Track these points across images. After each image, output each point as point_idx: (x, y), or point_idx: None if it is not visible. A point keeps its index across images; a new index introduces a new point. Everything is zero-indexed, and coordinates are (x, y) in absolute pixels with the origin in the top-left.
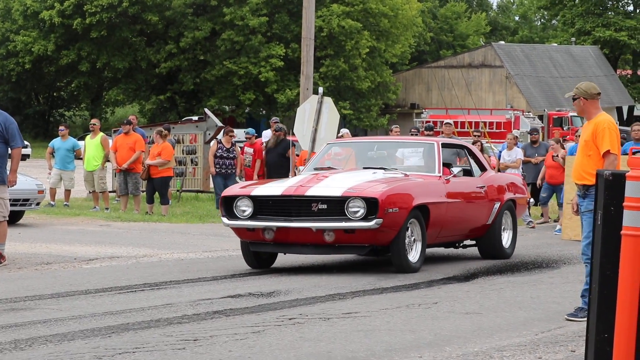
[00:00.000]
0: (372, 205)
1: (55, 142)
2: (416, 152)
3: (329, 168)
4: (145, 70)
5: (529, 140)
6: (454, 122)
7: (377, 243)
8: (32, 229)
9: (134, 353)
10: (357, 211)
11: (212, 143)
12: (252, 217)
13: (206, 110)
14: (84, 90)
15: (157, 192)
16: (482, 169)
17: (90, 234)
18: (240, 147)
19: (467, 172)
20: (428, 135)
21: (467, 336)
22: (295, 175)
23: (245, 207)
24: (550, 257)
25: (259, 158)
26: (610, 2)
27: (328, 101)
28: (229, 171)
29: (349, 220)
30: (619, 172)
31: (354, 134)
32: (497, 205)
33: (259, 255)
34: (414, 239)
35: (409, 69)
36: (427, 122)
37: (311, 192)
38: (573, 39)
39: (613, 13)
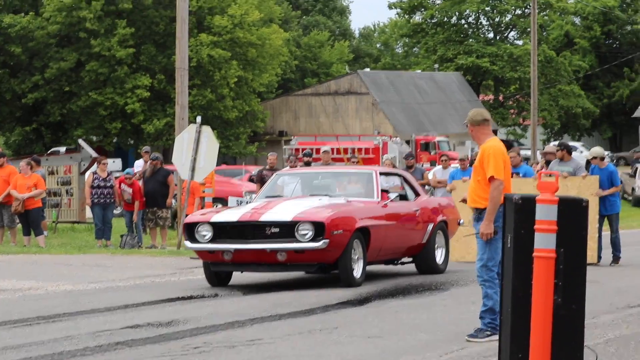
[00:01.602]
0: (319, 228)
1: None
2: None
3: (279, 196)
4: (9, 101)
5: (404, 165)
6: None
7: (325, 261)
8: None
9: None
10: (306, 233)
11: (87, 175)
12: (212, 240)
13: (80, 141)
14: None
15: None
16: (416, 194)
17: None
18: (115, 177)
19: (403, 197)
20: (307, 161)
21: None
22: (179, 202)
23: (205, 232)
24: (438, 280)
25: (137, 199)
26: (470, 30)
27: (206, 130)
28: (107, 200)
29: (299, 241)
30: (528, 196)
31: (222, 162)
32: (430, 225)
33: (219, 275)
34: (357, 257)
35: (276, 97)
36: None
37: (265, 217)
38: (436, 65)
39: (474, 40)
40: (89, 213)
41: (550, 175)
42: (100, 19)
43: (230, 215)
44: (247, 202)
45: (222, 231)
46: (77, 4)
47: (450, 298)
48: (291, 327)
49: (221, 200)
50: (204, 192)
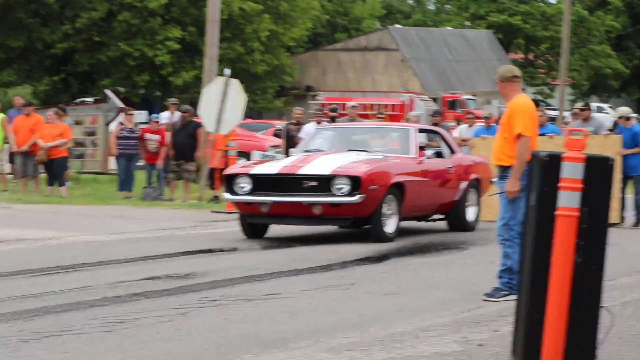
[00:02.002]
0: (356, 183)
1: None
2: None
3: (318, 150)
4: (40, 51)
5: (430, 123)
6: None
7: (359, 216)
8: None
9: (61, 336)
10: (342, 188)
11: (112, 125)
12: (250, 192)
13: (107, 91)
14: None
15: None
16: (452, 151)
17: None
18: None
19: (439, 154)
20: (332, 116)
21: (389, 317)
22: (203, 155)
23: (244, 184)
24: (457, 239)
25: (164, 145)
26: None
27: (234, 83)
28: (133, 151)
29: (335, 195)
30: (555, 154)
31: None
32: (464, 183)
33: (254, 227)
34: (391, 213)
35: (306, 52)
36: (329, 104)
37: (303, 171)
38: (467, 23)
39: None
40: (112, 164)
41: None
42: None
43: (269, 168)
44: (271, 157)
45: (260, 183)
46: None
47: (470, 257)
48: (309, 283)
49: (245, 154)
50: (227, 145)
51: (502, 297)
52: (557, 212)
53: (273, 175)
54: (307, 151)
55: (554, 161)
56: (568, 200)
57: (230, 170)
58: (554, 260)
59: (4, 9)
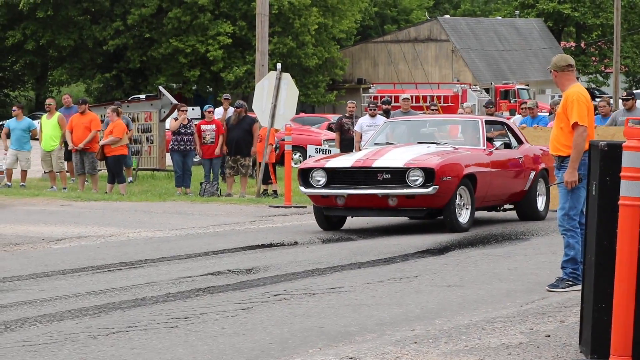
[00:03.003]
0: (430, 174)
1: (10, 123)
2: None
3: (388, 143)
4: (91, 49)
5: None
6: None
7: (433, 207)
8: None
9: (128, 332)
10: (417, 179)
11: (168, 121)
12: (325, 185)
13: (161, 88)
14: (29, 70)
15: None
16: (519, 142)
17: (53, 214)
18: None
19: (507, 145)
20: (385, 109)
21: (453, 309)
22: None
23: (319, 177)
24: (518, 230)
25: (221, 133)
26: None
27: (286, 77)
28: (187, 147)
29: (410, 187)
30: (614, 143)
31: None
32: (532, 173)
33: (330, 219)
34: (464, 203)
35: (355, 44)
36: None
37: (377, 163)
38: (517, 11)
39: None
40: (168, 160)
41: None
42: None
43: (343, 161)
44: (326, 151)
45: (335, 177)
46: None
47: (531, 247)
48: (371, 276)
49: (300, 149)
50: (283, 140)
51: (567, 287)
52: (620, 202)
53: (348, 169)
54: (376, 144)
55: (613, 151)
56: (630, 190)
57: (305, 164)
58: (619, 249)
59: (54, 7)
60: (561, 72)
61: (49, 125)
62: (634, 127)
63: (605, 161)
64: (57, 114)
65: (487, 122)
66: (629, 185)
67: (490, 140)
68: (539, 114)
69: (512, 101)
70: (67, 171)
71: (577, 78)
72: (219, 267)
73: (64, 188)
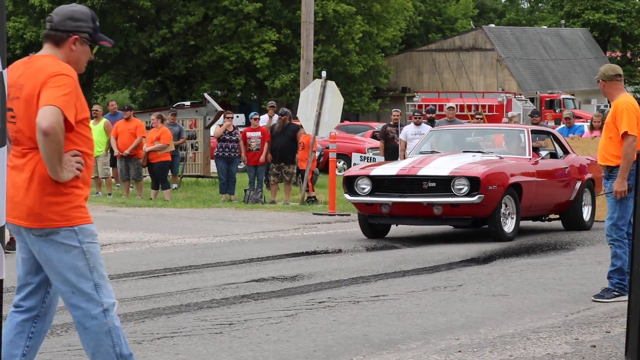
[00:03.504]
0: (475, 183)
1: None
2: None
3: (433, 152)
4: (136, 55)
5: (530, 124)
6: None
7: (478, 216)
8: None
9: (173, 338)
10: (462, 188)
11: (213, 128)
12: (370, 193)
13: (206, 95)
14: None
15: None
16: (565, 152)
17: (98, 220)
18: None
19: (553, 155)
20: (430, 117)
21: (498, 318)
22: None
23: (364, 185)
24: (563, 240)
25: (267, 140)
26: None
27: (331, 85)
28: (232, 154)
29: (455, 196)
30: None
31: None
32: (578, 183)
33: (375, 227)
34: (509, 212)
35: (400, 53)
36: (427, 106)
37: (422, 172)
38: (562, 21)
39: None
40: (213, 167)
41: None
42: None
43: (388, 169)
44: (370, 159)
45: (380, 185)
46: None
47: (576, 257)
48: (415, 284)
49: (344, 157)
50: (327, 147)
51: (612, 297)
52: None
53: (393, 177)
54: (422, 152)
55: None
56: None
57: (350, 171)
58: None
59: (101, 14)
60: (609, 82)
61: (95, 131)
62: None
63: None
64: (103, 120)
65: (532, 131)
66: None
67: (536, 149)
68: (575, 123)
69: (557, 111)
70: (112, 177)
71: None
72: (263, 274)
73: (109, 194)
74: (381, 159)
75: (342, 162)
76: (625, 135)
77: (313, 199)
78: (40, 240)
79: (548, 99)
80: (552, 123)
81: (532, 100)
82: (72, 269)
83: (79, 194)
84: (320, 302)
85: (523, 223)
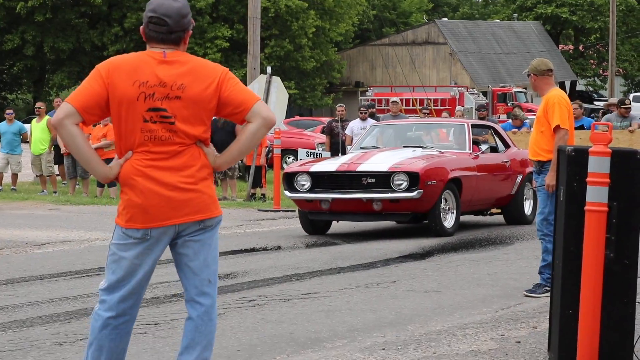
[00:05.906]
0: (414, 179)
1: (2, 126)
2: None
3: (374, 147)
4: (89, 52)
5: (477, 117)
6: (400, 99)
7: (418, 211)
8: None
9: None
10: (401, 184)
11: None
12: (310, 190)
13: None
14: (27, 73)
15: None
16: (506, 145)
17: (41, 218)
18: None
19: (493, 149)
20: (371, 112)
21: (428, 314)
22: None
23: (304, 182)
24: (504, 234)
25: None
26: None
27: (276, 81)
28: None
29: (394, 191)
30: (581, 148)
31: (297, 114)
32: (519, 177)
33: (316, 224)
34: (449, 207)
35: (353, 47)
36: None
37: (362, 168)
38: (515, 14)
39: None
40: None
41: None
42: None
43: (328, 165)
44: (317, 155)
45: (320, 181)
46: None
47: (514, 252)
48: (349, 281)
49: (292, 152)
50: (273, 143)
51: (544, 293)
52: (586, 207)
53: (332, 173)
54: (363, 148)
55: (580, 156)
56: (596, 195)
57: (290, 168)
58: (585, 255)
59: (52, 11)
60: (541, 76)
61: (38, 128)
62: (599, 132)
63: (572, 166)
64: (47, 117)
65: (474, 125)
66: (594, 191)
67: (477, 143)
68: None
69: (509, 104)
70: (57, 175)
71: (575, 82)
72: None
73: (55, 192)
74: (328, 154)
75: (291, 157)
76: (557, 128)
77: (262, 195)
78: (207, 231)
79: (500, 93)
80: (504, 117)
81: (484, 94)
82: (217, 257)
83: None
84: (250, 301)
85: (465, 218)
